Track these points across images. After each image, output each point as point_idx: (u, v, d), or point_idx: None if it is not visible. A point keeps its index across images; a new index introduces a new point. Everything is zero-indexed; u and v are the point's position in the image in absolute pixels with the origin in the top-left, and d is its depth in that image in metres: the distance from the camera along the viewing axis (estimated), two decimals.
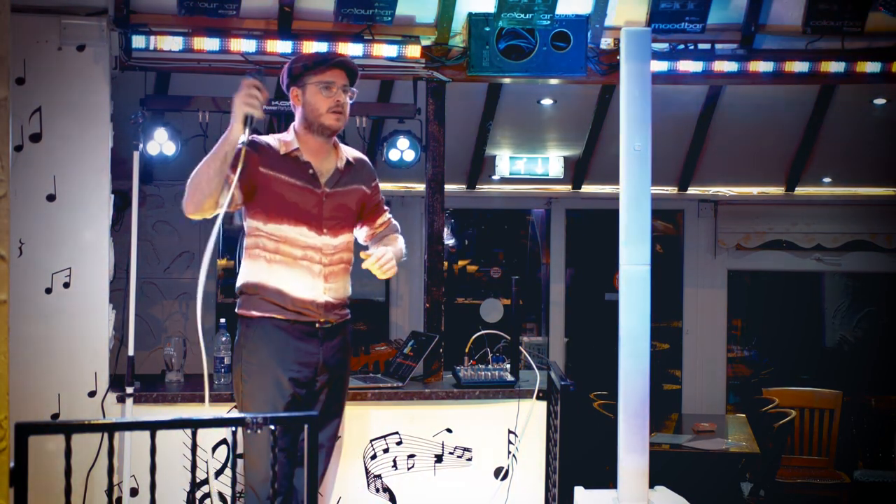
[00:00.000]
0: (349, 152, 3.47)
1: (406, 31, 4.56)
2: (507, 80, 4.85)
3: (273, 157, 3.30)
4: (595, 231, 7.67)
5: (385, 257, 3.34)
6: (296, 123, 3.38)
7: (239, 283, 3.42)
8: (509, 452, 4.28)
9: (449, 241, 8.01)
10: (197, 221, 3.38)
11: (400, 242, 3.59)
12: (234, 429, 2.25)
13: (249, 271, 3.37)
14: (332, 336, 3.38)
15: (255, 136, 3.34)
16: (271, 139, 3.37)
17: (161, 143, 4.49)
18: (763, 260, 7.10)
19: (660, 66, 4.61)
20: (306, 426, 2.20)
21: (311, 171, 3.32)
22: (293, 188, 3.29)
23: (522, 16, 4.39)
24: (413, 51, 4.48)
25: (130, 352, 4.10)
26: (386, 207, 3.65)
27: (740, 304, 7.76)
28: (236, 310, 3.41)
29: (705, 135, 6.25)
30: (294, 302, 3.29)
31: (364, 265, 3.35)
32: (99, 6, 4.13)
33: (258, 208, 3.30)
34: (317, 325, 3.33)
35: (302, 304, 3.29)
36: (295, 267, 3.30)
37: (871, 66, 4.70)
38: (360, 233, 3.58)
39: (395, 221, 3.68)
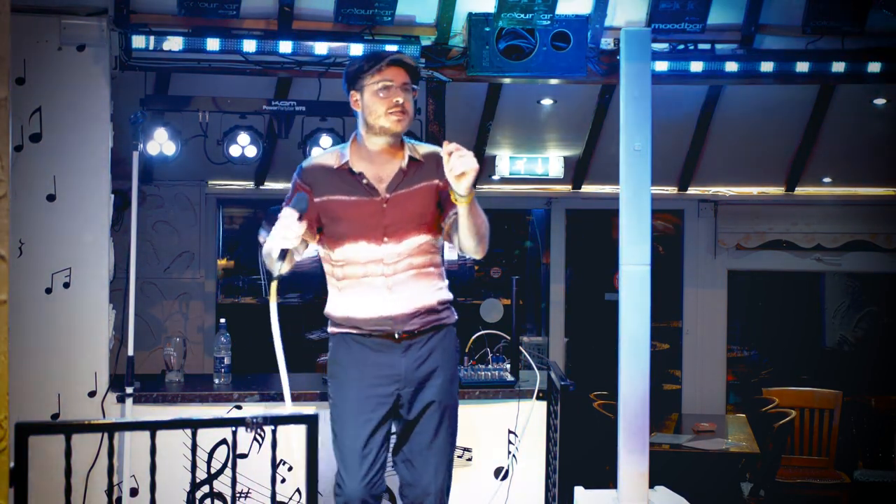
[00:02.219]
0: (419, 149, 3.25)
1: (406, 31, 4.57)
2: (507, 80, 4.85)
3: (324, 178, 3.18)
4: (595, 231, 7.67)
5: (449, 147, 2.90)
6: (358, 127, 3.23)
7: (326, 308, 3.34)
8: (509, 452, 4.28)
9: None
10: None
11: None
12: (234, 429, 2.25)
13: (328, 300, 3.31)
14: (417, 344, 3.21)
15: (311, 158, 3.30)
16: (326, 156, 3.26)
17: (161, 143, 4.49)
18: (763, 260, 7.09)
19: (660, 66, 4.61)
20: (306, 426, 2.19)
21: (364, 180, 3.16)
22: (347, 205, 3.16)
23: (522, 16, 4.38)
24: (413, 51, 4.48)
25: (130, 352, 4.10)
26: None
27: (740, 304, 7.76)
28: (328, 328, 3.35)
29: (705, 135, 6.25)
30: (364, 323, 3.18)
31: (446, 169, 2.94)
32: (99, 6, 4.13)
33: (325, 237, 3.22)
34: (396, 335, 3.19)
35: (373, 323, 3.17)
36: (358, 287, 3.18)
37: (871, 66, 4.71)
38: (444, 229, 3.29)
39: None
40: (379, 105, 3.13)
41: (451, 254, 8.20)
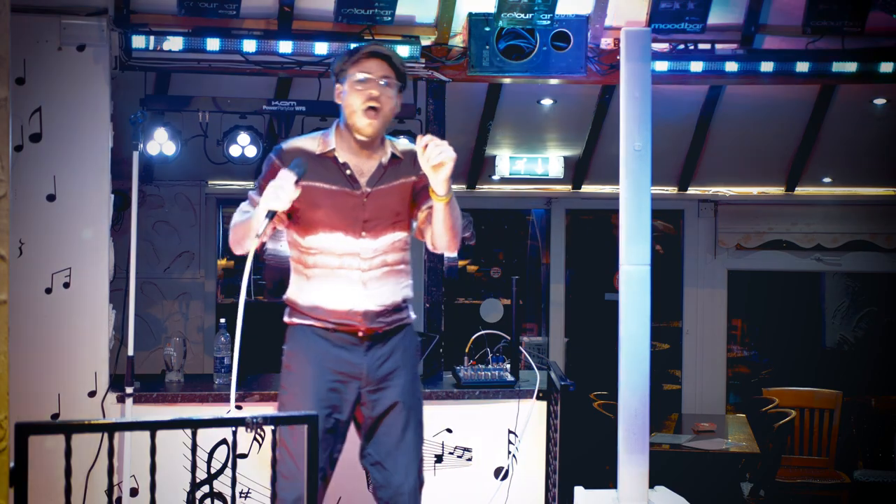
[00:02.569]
0: (399, 145, 3.21)
1: (406, 31, 4.57)
2: (507, 80, 4.85)
3: (308, 162, 3.05)
4: (595, 231, 7.67)
5: (426, 138, 2.89)
6: (340, 121, 3.17)
7: (285, 294, 3.26)
8: (509, 452, 4.28)
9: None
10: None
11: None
12: (234, 429, 2.25)
13: (291, 286, 3.24)
14: (379, 343, 3.17)
15: (290, 141, 3.20)
16: (307, 140, 3.17)
17: (161, 143, 4.49)
18: (763, 260, 7.09)
19: (660, 66, 4.61)
20: (306, 427, 2.19)
21: (348, 171, 3.10)
22: (328, 194, 3.08)
23: (522, 16, 4.38)
24: (413, 51, 4.48)
25: (130, 352, 4.10)
26: None
27: (740, 304, 7.76)
28: (283, 318, 3.27)
29: (705, 135, 6.25)
30: (332, 315, 3.11)
31: (421, 161, 2.94)
32: (99, 6, 4.13)
33: (296, 222, 3.14)
34: (359, 333, 3.14)
35: (341, 316, 3.10)
36: (332, 278, 3.10)
37: (871, 66, 4.70)
38: (417, 225, 3.26)
39: None
40: (355, 98, 3.05)
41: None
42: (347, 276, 3.12)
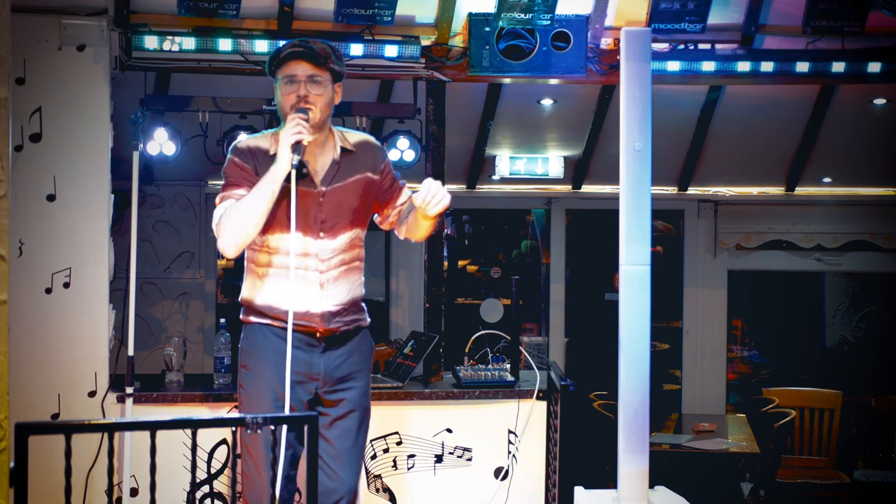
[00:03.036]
0: (350, 138, 3.19)
1: (406, 31, 4.56)
2: (507, 80, 4.85)
3: (262, 161, 3.07)
4: (595, 231, 7.67)
5: (431, 190, 2.96)
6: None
7: (241, 294, 3.25)
8: (509, 452, 4.28)
9: (448, 229, 8.03)
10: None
11: None
12: (234, 429, 2.25)
13: (245, 285, 3.21)
14: (337, 345, 3.17)
15: (243, 139, 3.20)
16: (262, 139, 3.15)
17: (161, 143, 4.49)
18: (763, 260, 7.09)
19: (660, 65, 4.61)
20: (306, 427, 2.20)
21: (305, 170, 3.06)
22: (285, 192, 3.01)
23: (522, 16, 4.38)
24: (413, 51, 4.48)
25: (130, 352, 4.10)
26: (403, 184, 3.30)
27: (740, 304, 7.76)
28: (240, 316, 3.26)
29: (705, 135, 6.25)
30: (286, 315, 3.03)
31: (417, 203, 3.02)
32: (99, 6, 4.13)
33: None
34: (317, 334, 3.13)
35: (298, 317, 3.05)
36: (288, 279, 3.04)
37: (871, 66, 4.70)
38: (382, 220, 3.30)
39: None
40: (285, 100, 3.06)
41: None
42: (304, 277, 3.10)
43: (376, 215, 3.30)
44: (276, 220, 3.06)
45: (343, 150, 3.15)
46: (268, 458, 2.96)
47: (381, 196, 3.24)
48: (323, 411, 3.18)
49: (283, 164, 2.95)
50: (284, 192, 3.02)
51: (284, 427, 2.90)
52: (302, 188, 3.05)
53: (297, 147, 2.94)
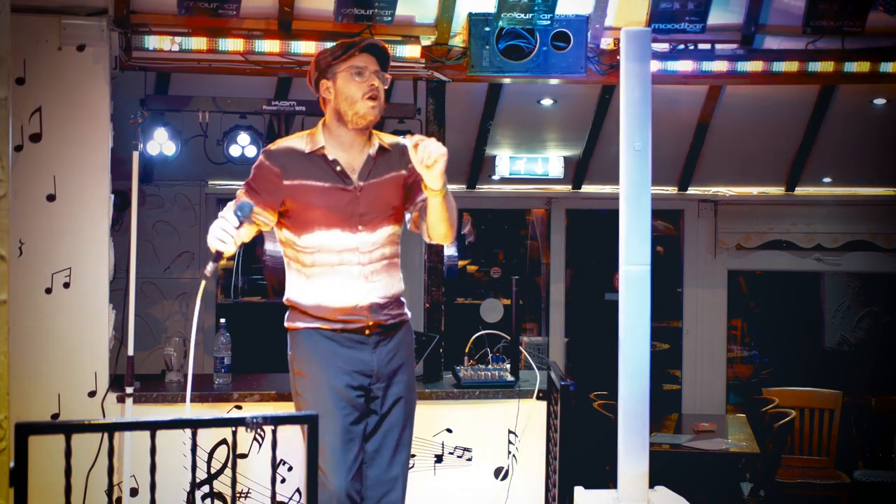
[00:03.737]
0: (385, 139, 3.26)
1: (406, 31, 4.57)
2: (507, 80, 4.85)
3: (296, 161, 3.12)
4: (595, 231, 7.67)
5: (423, 140, 2.95)
6: (327, 118, 3.20)
7: (285, 296, 3.26)
8: (509, 452, 4.28)
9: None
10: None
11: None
12: (234, 429, 2.25)
13: (290, 287, 3.23)
14: (385, 340, 3.20)
15: (277, 141, 3.23)
16: (296, 139, 3.20)
17: (161, 143, 4.49)
18: (763, 260, 7.09)
19: (660, 66, 4.61)
20: (306, 427, 2.19)
21: (338, 168, 3.13)
22: (322, 191, 3.11)
23: (522, 16, 4.38)
24: (413, 51, 4.48)
25: (130, 352, 4.10)
26: None
27: (740, 304, 7.75)
28: (284, 323, 3.27)
29: (705, 135, 6.25)
30: (337, 312, 3.12)
31: (413, 159, 3.00)
32: (99, 6, 4.13)
33: (290, 221, 3.16)
34: (367, 331, 3.16)
35: (346, 312, 3.12)
36: (333, 275, 3.12)
37: (871, 67, 4.70)
38: (409, 220, 3.33)
39: None
40: (355, 89, 3.11)
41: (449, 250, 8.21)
42: (349, 272, 3.14)
43: (407, 215, 3.32)
44: (312, 219, 3.12)
45: (381, 148, 3.22)
46: (337, 409, 3.08)
47: (407, 192, 3.27)
48: (372, 407, 3.22)
49: (208, 263, 3.03)
50: (324, 190, 3.11)
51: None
52: (338, 185, 3.13)
53: (217, 256, 3.00)
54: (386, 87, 3.20)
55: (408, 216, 3.32)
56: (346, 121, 3.14)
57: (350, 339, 3.15)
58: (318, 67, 3.19)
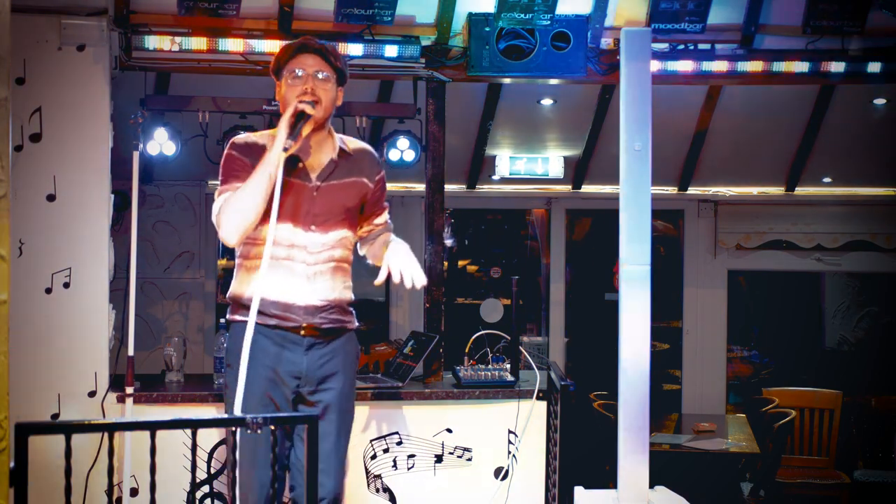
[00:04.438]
0: (349, 143, 3.27)
1: (406, 31, 4.57)
2: (507, 80, 4.85)
3: (259, 155, 3.09)
4: (595, 231, 7.67)
5: (404, 271, 3.11)
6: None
7: (228, 291, 3.27)
8: (509, 452, 4.28)
9: (448, 240, 8.02)
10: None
11: (396, 242, 3.29)
12: (234, 429, 2.25)
13: (233, 282, 3.24)
14: (320, 344, 3.18)
15: (240, 136, 3.24)
16: (259, 136, 3.22)
17: (161, 143, 4.49)
18: (763, 260, 7.09)
19: (660, 66, 4.61)
20: (306, 426, 2.20)
21: (300, 164, 3.13)
22: (281, 184, 3.06)
23: (522, 16, 4.38)
24: (413, 51, 4.48)
25: (130, 352, 4.10)
26: (386, 205, 3.42)
27: (740, 304, 7.76)
28: (227, 315, 3.27)
29: (705, 135, 6.25)
30: (274, 305, 3.09)
31: (378, 283, 3.14)
32: (99, 6, 4.13)
33: None
34: (301, 331, 3.15)
35: (281, 308, 3.11)
36: (277, 269, 3.09)
37: (871, 66, 4.70)
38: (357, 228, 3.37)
39: (391, 224, 3.47)
40: (290, 93, 3.11)
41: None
42: (292, 268, 3.13)
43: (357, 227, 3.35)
44: (267, 211, 3.08)
45: (342, 150, 3.22)
46: (255, 457, 3.04)
47: (367, 205, 3.32)
48: (304, 410, 3.20)
49: (279, 144, 3.00)
50: (283, 182, 3.07)
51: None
52: (296, 181, 3.12)
53: (295, 125, 3.00)
54: (338, 90, 3.18)
55: (357, 229, 3.35)
56: None
57: (283, 338, 3.14)
58: (272, 70, 3.22)
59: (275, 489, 2.30)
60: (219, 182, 3.19)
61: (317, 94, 3.09)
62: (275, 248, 3.08)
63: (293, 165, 3.12)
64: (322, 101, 3.10)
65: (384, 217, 3.41)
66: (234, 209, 3.05)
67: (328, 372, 3.20)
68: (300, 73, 3.11)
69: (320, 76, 3.12)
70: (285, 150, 2.97)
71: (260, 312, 3.08)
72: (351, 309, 3.30)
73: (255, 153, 3.13)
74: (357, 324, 3.33)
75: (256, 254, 3.13)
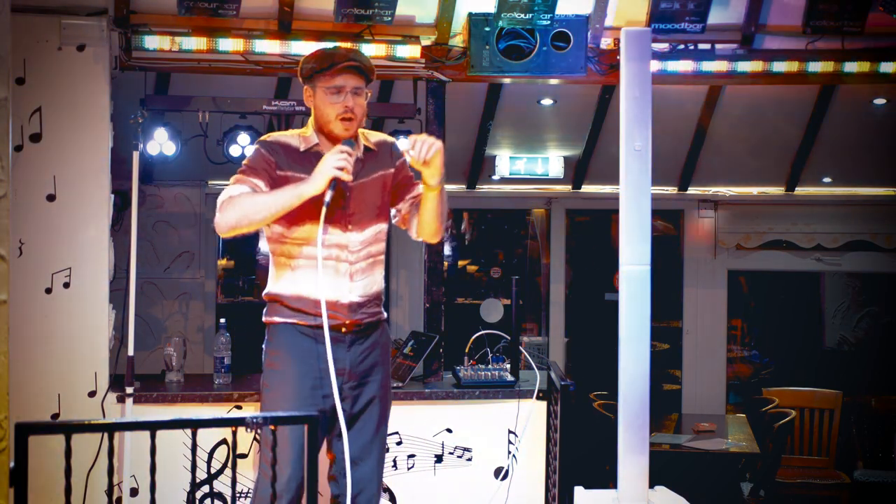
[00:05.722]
0: (371, 137, 3.28)
1: (406, 31, 4.56)
2: (507, 80, 4.85)
3: (292, 156, 3.13)
4: (595, 231, 7.67)
5: (419, 137, 3.00)
6: (312, 120, 3.22)
7: (265, 290, 3.27)
8: (509, 452, 4.28)
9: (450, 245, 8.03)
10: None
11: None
12: (234, 429, 2.25)
13: (272, 280, 3.23)
14: (360, 339, 3.22)
15: (271, 135, 3.23)
16: (290, 136, 3.21)
17: (161, 143, 4.49)
18: (763, 260, 7.09)
19: (660, 66, 4.61)
20: (306, 426, 2.19)
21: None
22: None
23: (522, 16, 4.38)
24: (413, 51, 4.48)
25: (130, 352, 4.10)
26: (418, 181, 3.31)
27: (740, 304, 7.75)
28: (263, 318, 3.27)
29: (705, 135, 6.25)
30: (318, 305, 3.08)
31: (410, 155, 3.06)
32: (99, 6, 4.13)
33: (282, 215, 3.13)
34: (343, 328, 3.17)
35: (329, 306, 3.09)
36: (323, 269, 3.11)
37: (871, 66, 4.70)
38: (396, 215, 3.36)
39: None
40: (329, 109, 3.11)
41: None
42: (336, 268, 3.16)
43: (394, 210, 3.35)
44: (303, 212, 3.09)
45: (366, 149, 3.24)
46: (304, 408, 3.08)
47: (397, 189, 3.30)
48: (344, 406, 3.19)
49: (316, 187, 2.99)
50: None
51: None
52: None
53: (333, 183, 2.98)
54: (368, 100, 3.19)
55: (394, 212, 3.35)
56: (323, 133, 3.17)
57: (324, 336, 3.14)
58: (301, 73, 3.21)
59: (275, 489, 2.30)
60: (239, 167, 3.18)
61: (354, 112, 3.12)
62: (313, 249, 3.12)
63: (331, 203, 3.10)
64: (357, 117, 3.14)
65: (419, 189, 3.32)
66: (242, 211, 3.04)
67: (369, 365, 3.24)
68: (340, 91, 3.11)
69: (357, 92, 3.14)
70: (326, 204, 2.97)
71: (303, 313, 3.13)
72: (381, 299, 3.34)
73: (285, 152, 3.15)
74: (386, 314, 3.37)
75: (298, 253, 3.16)
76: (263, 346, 3.26)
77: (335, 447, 3.26)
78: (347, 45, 3.20)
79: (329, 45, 4.37)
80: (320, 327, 3.09)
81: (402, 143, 3.02)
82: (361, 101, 3.16)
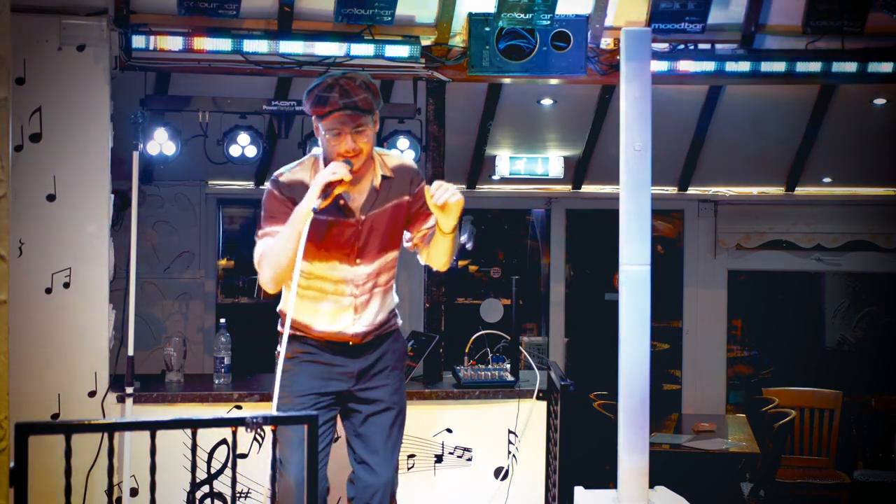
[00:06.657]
0: (389, 162, 3.21)
1: (406, 31, 4.56)
2: (507, 80, 4.85)
3: (301, 192, 3.05)
4: (595, 231, 7.66)
5: (443, 185, 2.95)
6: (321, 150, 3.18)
7: (279, 305, 3.30)
8: (509, 452, 4.28)
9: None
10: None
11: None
12: (234, 429, 2.25)
13: (283, 300, 3.24)
14: (369, 349, 3.27)
15: (282, 173, 3.16)
16: (299, 171, 3.15)
17: (161, 143, 4.49)
18: (763, 260, 7.09)
19: (660, 66, 4.61)
20: (305, 426, 2.19)
21: (342, 202, 3.10)
22: (324, 225, 3.08)
23: (522, 16, 4.38)
24: (413, 51, 4.48)
25: (130, 352, 4.10)
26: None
27: (740, 304, 7.76)
28: (278, 327, 3.30)
29: (705, 135, 6.25)
30: (322, 334, 3.20)
31: (429, 196, 3.00)
32: (99, 6, 4.13)
33: None
34: (350, 343, 3.23)
35: (331, 336, 3.20)
36: (323, 301, 3.18)
37: (872, 66, 4.70)
38: (408, 241, 3.31)
39: None
40: (332, 147, 3.06)
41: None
42: (339, 302, 3.19)
43: (407, 234, 3.31)
44: (312, 250, 3.08)
45: (383, 177, 3.18)
46: (312, 407, 3.16)
47: (412, 217, 3.25)
48: (356, 408, 3.28)
49: (309, 200, 2.97)
50: (327, 224, 3.09)
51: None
52: (340, 219, 3.12)
53: (327, 189, 2.95)
54: (375, 121, 3.11)
55: (408, 236, 3.31)
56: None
57: (334, 349, 3.23)
58: (304, 109, 3.13)
59: (275, 489, 2.30)
60: (261, 222, 3.16)
61: (357, 148, 3.04)
62: (322, 283, 3.17)
63: (335, 205, 3.08)
64: (362, 152, 3.06)
65: (434, 220, 3.18)
66: (268, 262, 3.05)
67: (379, 369, 3.28)
68: (339, 133, 3.03)
69: (359, 129, 3.04)
70: (314, 210, 2.94)
71: (310, 334, 3.22)
72: (395, 311, 3.36)
73: (298, 190, 3.09)
74: (400, 322, 3.39)
75: (306, 285, 3.17)
76: (278, 348, 3.28)
77: (350, 447, 3.32)
78: (346, 71, 3.10)
79: (324, 45, 4.39)
80: (328, 341, 3.20)
81: (428, 187, 3.00)
82: (364, 136, 3.06)
